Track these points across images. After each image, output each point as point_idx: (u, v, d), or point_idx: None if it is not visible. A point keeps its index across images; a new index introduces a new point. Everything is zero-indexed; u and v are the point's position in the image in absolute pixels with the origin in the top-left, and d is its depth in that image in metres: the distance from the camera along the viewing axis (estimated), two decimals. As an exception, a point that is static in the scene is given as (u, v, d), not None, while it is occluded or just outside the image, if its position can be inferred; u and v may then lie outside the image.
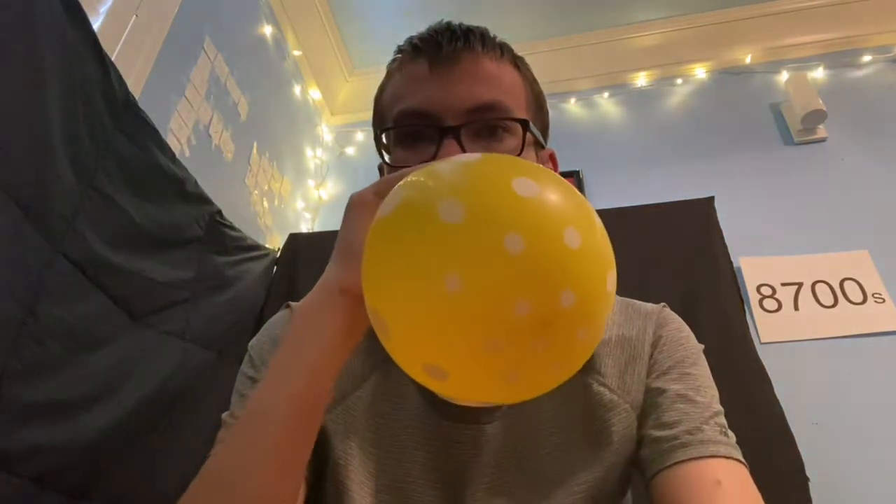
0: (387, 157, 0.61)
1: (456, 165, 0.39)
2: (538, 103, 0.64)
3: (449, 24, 0.60)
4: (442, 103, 0.55)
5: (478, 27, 0.60)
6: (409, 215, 0.38)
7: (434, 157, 0.53)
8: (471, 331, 0.34)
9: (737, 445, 0.54)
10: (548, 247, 0.34)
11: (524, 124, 0.58)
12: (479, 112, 0.56)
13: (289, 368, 0.46)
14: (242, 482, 0.43)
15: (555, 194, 0.37)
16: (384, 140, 0.62)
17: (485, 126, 0.56)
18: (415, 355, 0.39)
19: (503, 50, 0.61)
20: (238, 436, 0.46)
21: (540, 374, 0.38)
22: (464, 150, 0.54)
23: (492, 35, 0.61)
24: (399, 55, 0.62)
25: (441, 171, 0.39)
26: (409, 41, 0.61)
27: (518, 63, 0.63)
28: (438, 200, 0.36)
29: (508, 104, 0.57)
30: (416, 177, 0.40)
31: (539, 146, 0.63)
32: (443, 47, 0.57)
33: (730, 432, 0.55)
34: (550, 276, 0.34)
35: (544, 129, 0.65)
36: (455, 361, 0.37)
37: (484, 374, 0.37)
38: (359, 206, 0.47)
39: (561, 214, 0.36)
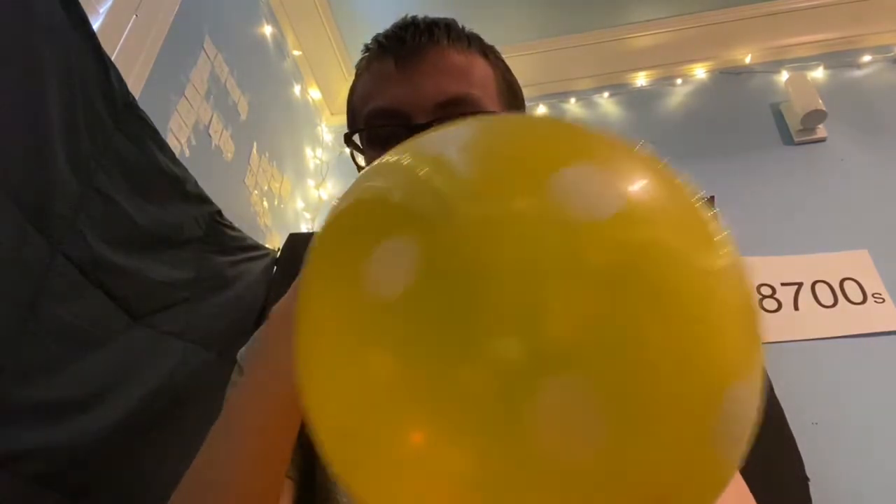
0: (361, 161, 0.59)
1: (438, 138, 0.24)
2: (511, 91, 0.62)
3: (413, 19, 0.58)
4: (410, 101, 0.54)
5: (443, 19, 0.58)
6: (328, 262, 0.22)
7: None
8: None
9: None
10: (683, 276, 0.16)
11: None
12: (448, 107, 0.53)
13: (262, 370, 0.46)
14: (219, 480, 0.44)
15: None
16: (357, 142, 0.60)
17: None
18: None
19: (470, 40, 0.59)
20: (215, 435, 0.46)
21: None
22: None
23: (459, 26, 0.59)
24: (366, 54, 0.61)
25: (401, 160, 0.24)
26: (375, 39, 0.60)
27: (487, 52, 0.60)
28: (373, 244, 0.19)
29: (478, 96, 0.55)
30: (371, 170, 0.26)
31: None
32: (406, 42, 0.55)
33: None
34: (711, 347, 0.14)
35: None
36: None
37: None
38: None
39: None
